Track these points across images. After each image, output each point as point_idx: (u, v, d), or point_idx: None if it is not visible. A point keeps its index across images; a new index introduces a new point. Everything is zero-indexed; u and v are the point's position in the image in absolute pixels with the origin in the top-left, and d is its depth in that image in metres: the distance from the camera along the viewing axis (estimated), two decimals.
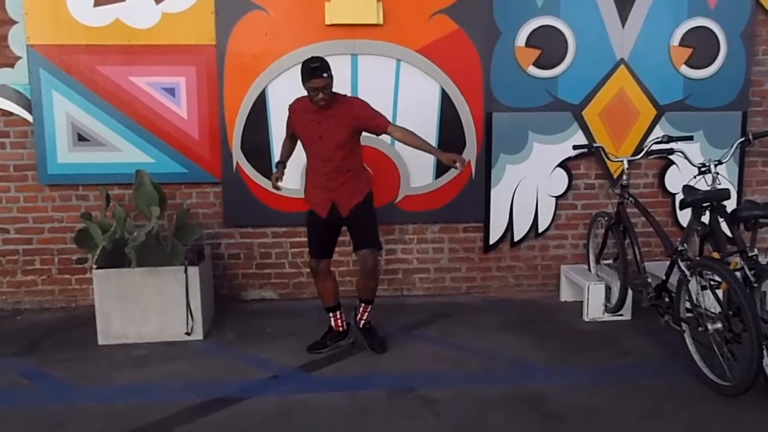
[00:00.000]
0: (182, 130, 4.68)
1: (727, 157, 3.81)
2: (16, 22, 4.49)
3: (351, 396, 3.34)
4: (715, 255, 3.44)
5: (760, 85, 5.03)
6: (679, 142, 4.04)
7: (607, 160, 4.70)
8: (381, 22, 4.61)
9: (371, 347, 3.90)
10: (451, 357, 3.87)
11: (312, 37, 4.60)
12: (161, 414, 3.15)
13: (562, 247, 5.13)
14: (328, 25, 4.59)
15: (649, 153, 4.13)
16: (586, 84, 4.86)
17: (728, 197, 3.50)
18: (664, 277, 3.87)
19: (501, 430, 3.02)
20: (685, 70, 4.89)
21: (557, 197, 5.04)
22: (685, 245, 3.69)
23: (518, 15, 4.73)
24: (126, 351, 3.98)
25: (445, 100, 4.78)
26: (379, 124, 3.69)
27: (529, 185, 4.97)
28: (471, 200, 4.93)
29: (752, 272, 3.19)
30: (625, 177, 4.22)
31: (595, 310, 4.47)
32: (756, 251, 3.30)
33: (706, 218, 3.57)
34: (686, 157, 3.90)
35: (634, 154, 4.52)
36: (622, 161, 4.23)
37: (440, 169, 4.83)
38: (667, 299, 3.82)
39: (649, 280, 3.99)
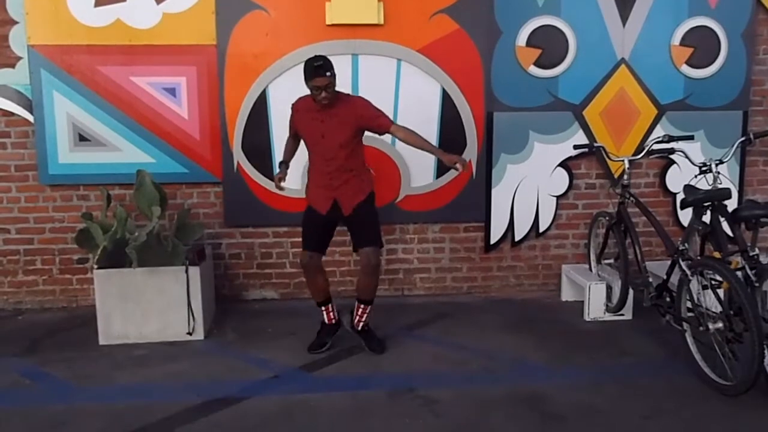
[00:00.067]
0: (183, 130, 4.69)
1: (728, 157, 3.80)
2: (16, 23, 4.49)
3: (351, 396, 3.34)
4: (716, 254, 3.43)
5: (760, 85, 5.03)
6: (680, 142, 4.04)
7: (608, 159, 4.70)
8: (381, 22, 4.61)
9: (370, 348, 3.90)
10: (451, 357, 3.87)
11: (312, 37, 4.60)
12: (162, 414, 3.15)
13: (563, 246, 5.12)
14: (328, 25, 4.59)
15: (650, 152, 4.12)
16: (586, 83, 4.86)
17: (729, 197, 3.50)
18: (665, 277, 3.87)
19: (502, 430, 3.02)
20: (685, 69, 4.89)
21: (558, 197, 5.04)
22: (686, 245, 3.69)
23: (519, 15, 4.73)
24: (127, 351, 3.98)
25: (446, 100, 4.78)
26: (381, 123, 3.69)
27: (529, 185, 4.97)
28: (472, 200, 4.93)
29: (753, 272, 3.18)
30: (626, 176, 4.22)
31: (596, 309, 4.47)
32: (757, 251, 3.29)
33: (707, 218, 3.57)
34: (687, 157, 3.90)
35: (635, 154, 4.52)
36: (623, 161, 4.23)
37: (441, 169, 4.83)
38: (668, 299, 3.82)
39: (650, 280, 3.99)
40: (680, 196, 3.98)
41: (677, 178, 4.94)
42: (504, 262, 5.11)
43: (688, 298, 3.54)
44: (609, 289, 4.49)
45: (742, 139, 3.92)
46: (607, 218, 4.46)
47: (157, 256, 4.10)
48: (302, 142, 3.90)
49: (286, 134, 4.02)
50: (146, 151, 4.67)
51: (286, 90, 4.44)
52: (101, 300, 4.08)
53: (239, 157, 4.73)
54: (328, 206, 3.76)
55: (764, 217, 3.36)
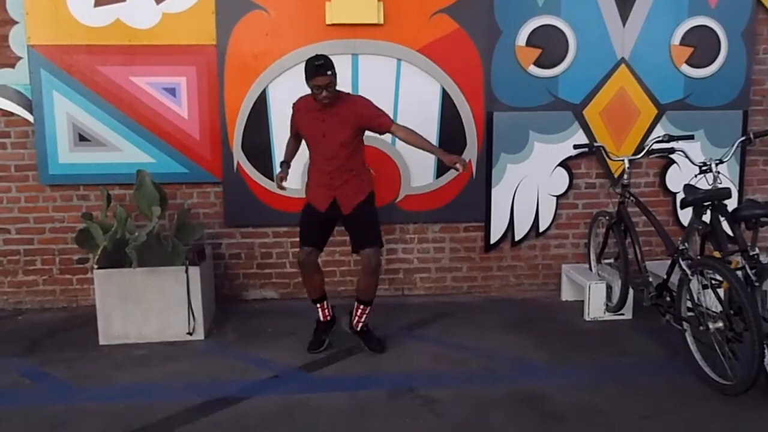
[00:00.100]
0: (183, 130, 4.69)
1: (728, 156, 3.80)
2: (16, 23, 4.49)
3: (351, 396, 3.34)
4: (716, 254, 3.43)
5: (760, 84, 5.03)
6: (680, 141, 4.04)
7: (607, 159, 4.70)
8: (381, 21, 4.61)
9: (370, 348, 3.90)
10: (451, 357, 3.87)
11: (312, 37, 4.60)
12: (162, 414, 3.15)
13: (563, 246, 5.12)
14: (328, 25, 4.59)
15: (650, 152, 4.12)
16: (586, 83, 4.86)
17: (729, 196, 3.50)
18: (665, 277, 3.87)
19: (502, 429, 3.02)
20: (685, 69, 4.89)
21: (558, 196, 5.04)
22: (686, 244, 3.68)
23: (519, 14, 4.73)
24: (127, 351, 3.98)
25: (446, 100, 4.78)
26: (382, 123, 3.69)
27: (529, 185, 4.97)
28: (472, 200, 4.93)
29: (753, 271, 3.18)
30: (626, 176, 4.22)
31: (596, 309, 4.47)
32: (757, 250, 3.29)
33: (707, 217, 3.57)
34: (687, 156, 3.90)
35: (634, 154, 4.52)
36: (622, 160, 4.23)
37: (441, 169, 4.83)
38: (668, 298, 3.82)
39: (650, 280, 3.99)
40: (680, 196, 3.98)
41: (677, 178, 4.94)
42: (504, 262, 5.11)
43: (688, 297, 3.53)
44: (609, 288, 4.49)
45: (742, 138, 3.92)
46: (607, 218, 4.46)
47: (157, 256, 4.10)
48: (303, 142, 3.90)
49: (286, 134, 4.02)
50: (146, 151, 4.67)
51: (286, 90, 4.44)
52: (101, 300, 4.08)
53: (239, 157, 4.73)
54: (327, 204, 3.75)
55: (764, 217, 3.36)
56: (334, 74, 3.53)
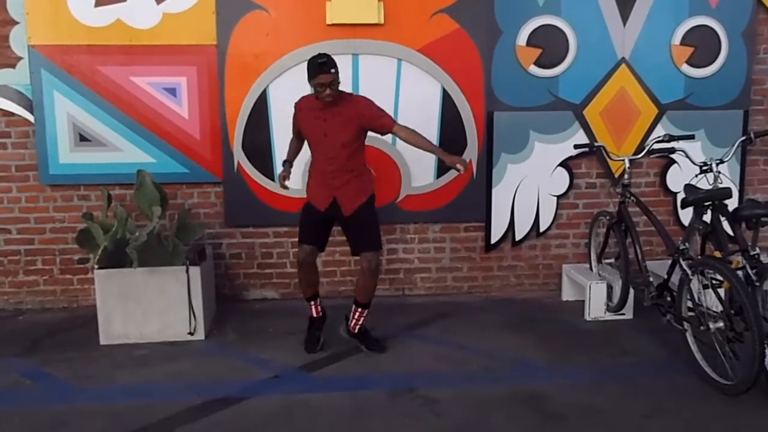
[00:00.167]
0: (183, 130, 4.69)
1: (729, 156, 3.80)
2: (17, 23, 4.50)
3: (351, 396, 3.34)
4: (717, 254, 3.43)
5: (761, 84, 5.03)
6: (681, 141, 4.04)
7: (608, 159, 4.69)
8: (382, 21, 4.61)
9: (370, 348, 3.90)
10: (452, 357, 3.87)
11: (313, 37, 4.60)
12: (163, 414, 3.15)
13: (563, 246, 5.12)
14: (329, 25, 4.59)
15: (651, 152, 4.12)
16: (587, 83, 4.86)
17: (730, 196, 3.50)
18: (665, 276, 3.87)
19: (502, 429, 3.02)
20: (686, 68, 4.89)
21: (558, 196, 5.03)
22: (687, 244, 3.68)
23: (519, 14, 4.73)
24: (127, 351, 3.98)
25: (446, 100, 4.78)
26: (384, 123, 3.69)
27: (530, 185, 4.97)
28: (472, 200, 4.93)
29: (754, 271, 3.18)
30: (626, 176, 4.22)
31: (596, 309, 4.47)
32: (758, 250, 3.29)
33: (707, 217, 3.56)
34: (688, 156, 3.90)
35: (635, 153, 4.52)
36: (623, 160, 4.23)
37: (441, 169, 4.83)
38: (668, 298, 3.82)
39: (651, 279, 3.99)
40: (681, 196, 3.97)
41: (678, 178, 4.94)
42: (504, 262, 5.10)
43: (688, 297, 3.53)
44: (609, 288, 4.49)
45: (743, 138, 3.92)
46: (607, 218, 4.46)
47: (157, 256, 4.10)
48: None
49: (287, 134, 4.02)
50: (147, 151, 4.67)
51: (287, 90, 4.45)
52: (102, 300, 4.09)
53: (240, 157, 4.73)
54: (327, 204, 3.75)
55: (765, 217, 3.36)
56: (337, 72, 3.53)
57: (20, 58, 4.53)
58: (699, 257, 3.59)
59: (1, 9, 4.47)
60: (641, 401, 3.24)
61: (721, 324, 3.26)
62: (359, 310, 3.89)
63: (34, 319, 4.65)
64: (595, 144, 4.46)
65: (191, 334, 4.12)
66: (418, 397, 3.32)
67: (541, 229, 5.07)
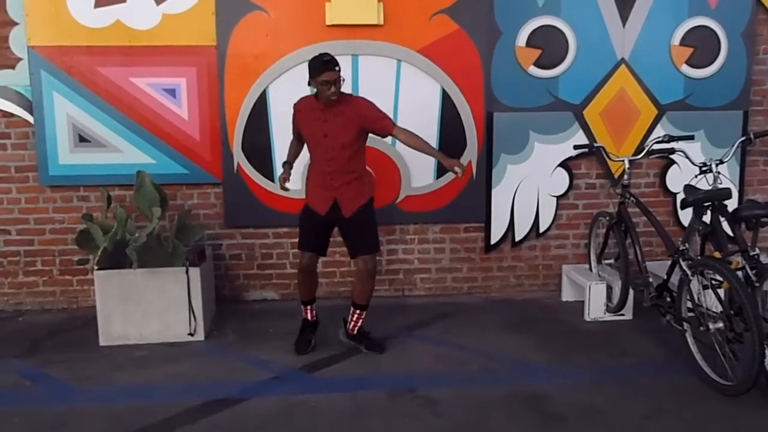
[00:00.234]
0: (183, 131, 4.69)
1: (728, 157, 3.80)
2: (17, 24, 4.50)
3: (352, 396, 3.34)
4: (717, 254, 3.43)
5: (761, 85, 5.03)
6: (680, 142, 4.04)
7: (608, 159, 4.70)
8: (381, 22, 4.61)
9: (370, 349, 3.90)
10: (452, 357, 3.87)
11: (312, 38, 4.60)
12: (162, 415, 3.15)
13: (563, 246, 5.12)
14: (328, 26, 4.59)
15: (650, 152, 4.13)
16: (586, 84, 4.86)
17: (729, 196, 3.50)
18: (665, 277, 3.87)
19: (502, 430, 3.02)
20: (685, 69, 4.89)
21: (558, 197, 5.04)
22: (687, 245, 3.68)
23: (519, 15, 4.73)
24: (127, 352, 3.98)
25: (446, 101, 4.78)
26: (385, 125, 3.70)
27: (530, 185, 4.97)
28: (472, 200, 4.93)
29: (754, 271, 3.18)
30: (626, 176, 4.22)
31: (596, 309, 4.47)
32: (757, 250, 3.29)
33: (707, 218, 3.57)
34: (687, 157, 3.90)
35: (635, 154, 4.52)
36: (623, 161, 4.23)
37: (441, 170, 4.82)
38: (668, 299, 3.82)
39: (651, 280, 3.99)
40: (680, 196, 3.98)
41: (677, 178, 4.94)
42: (504, 263, 5.10)
43: (688, 298, 3.53)
44: (609, 289, 4.49)
45: (743, 138, 3.92)
46: (607, 218, 4.46)
47: (157, 257, 4.10)
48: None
49: (287, 135, 4.02)
50: (146, 152, 4.67)
51: (287, 91, 4.45)
52: (101, 301, 4.08)
53: (239, 158, 4.73)
54: (327, 207, 3.75)
55: (764, 217, 3.36)
56: (341, 70, 3.55)
57: (20, 59, 4.53)
58: (699, 258, 3.59)
59: (1, 10, 4.47)
60: (641, 402, 3.24)
61: (720, 324, 3.26)
62: (357, 312, 3.90)
63: (33, 320, 4.65)
64: (595, 144, 4.47)
65: (191, 335, 4.12)
66: (418, 398, 3.32)
67: (541, 230, 5.07)
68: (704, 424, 3.04)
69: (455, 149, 4.75)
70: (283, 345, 4.03)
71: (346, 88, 3.68)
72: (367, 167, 3.93)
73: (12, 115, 4.61)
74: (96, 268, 4.10)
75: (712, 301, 3.35)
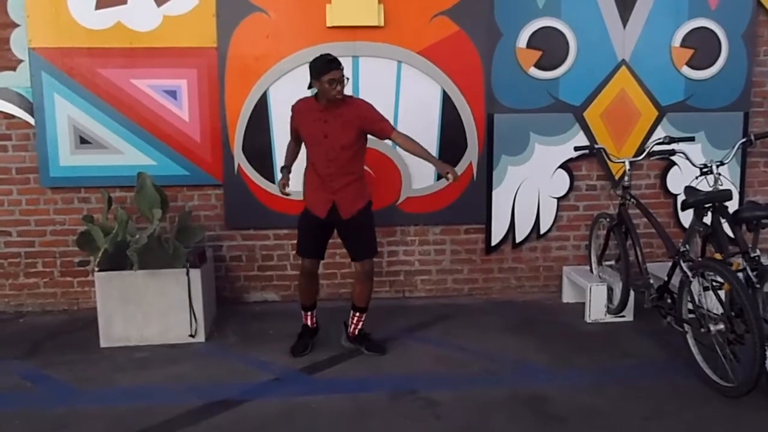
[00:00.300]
0: (184, 133, 4.69)
1: (729, 158, 3.80)
2: (18, 25, 4.50)
3: (352, 398, 3.34)
4: (717, 256, 3.44)
5: (761, 86, 5.03)
6: (681, 143, 4.04)
7: (608, 161, 4.70)
8: (382, 24, 4.61)
9: (370, 350, 3.90)
10: (452, 359, 3.87)
11: (313, 39, 4.60)
12: (163, 416, 3.15)
13: (563, 248, 5.12)
14: (329, 27, 4.59)
15: (651, 154, 4.13)
16: (587, 85, 4.86)
17: (730, 198, 3.50)
18: (666, 278, 3.87)
19: (503, 431, 3.02)
20: (686, 70, 4.89)
21: (559, 198, 5.04)
22: (687, 246, 3.68)
23: (519, 16, 4.73)
24: (128, 353, 3.98)
25: (447, 102, 4.78)
26: (383, 127, 3.70)
27: (530, 187, 4.97)
28: (472, 202, 4.93)
29: (754, 273, 3.18)
30: (626, 178, 4.22)
31: (597, 311, 4.47)
32: (758, 252, 3.30)
33: (708, 219, 3.56)
34: (688, 158, 3.90)
35: (635, 155, 4.53)
36: (623, 162, 4.23)
37: None
38: (669, 300, 3.82)
39: (651, 282, 3.98)
40: (681, 198, 3.97)
41: (678, 180, 4.93)
42: (505, 264, 5.10)
43: (689, 299, 3.53)
44: (610, 290, 4.49)
45: (743, 140, 3.92)
46: (608, 220, 4.46)
47: (158, 259, 4.10)
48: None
49: (287, 137, 4.01)
50: (147, 154, 4.68)
51: (287, 92, 4.44)
52: (102, 302, 4.08)
53: (240, 159, 4.73)
54: (327, 210, 3.74)
55: (765, 219, 3.35)
56: (344, 69, 3.56)
57: (21, 61, 4.54)
58: (699, 259, 3.59)
59: (2, 12, 4.48)
60: (642, 403, 3.24)
61: (721, 326, 3.26)
62: (357, 314, 3.91)
63: (34, 321, 4.65)
64: (596, 146, 4.46)
65: (192, 336, 4.12)
66: (419, 399, 3.32)
67: (542, 231, 5.06)
68: (705, 425, 3.04)
69: (456, 151, 4.76)
70: (284, 346, 4.03)
71: (347, 89, 3.68)
72: (366, 167, 3.92)
73: (13, 116, 4.61)
74: (97, 269, 4.11)
75: (712, 303, 3.35)
